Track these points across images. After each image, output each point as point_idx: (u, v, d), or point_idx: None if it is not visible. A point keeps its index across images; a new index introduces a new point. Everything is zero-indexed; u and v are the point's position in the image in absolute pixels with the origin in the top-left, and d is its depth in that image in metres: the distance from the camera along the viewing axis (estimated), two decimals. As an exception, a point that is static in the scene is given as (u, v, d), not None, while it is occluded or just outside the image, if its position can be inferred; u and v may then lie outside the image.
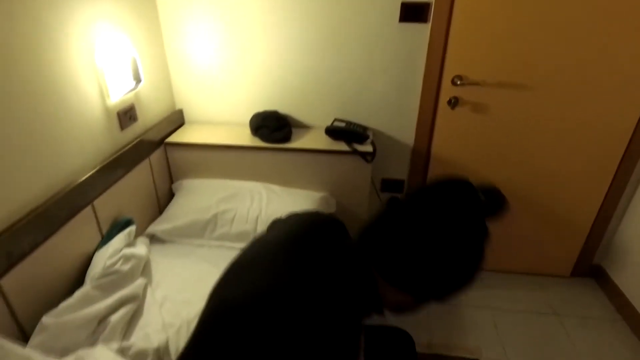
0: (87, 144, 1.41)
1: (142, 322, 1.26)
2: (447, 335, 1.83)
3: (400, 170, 2.01)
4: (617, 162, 1.84)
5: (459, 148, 1.91)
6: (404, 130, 1.91)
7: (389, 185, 2.05)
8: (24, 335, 1.14)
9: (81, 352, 1.07)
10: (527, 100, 1.77)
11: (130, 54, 1.58)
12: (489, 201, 0.71)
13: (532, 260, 2.16)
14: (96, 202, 1.44)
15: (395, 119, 1.89)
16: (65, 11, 1.27)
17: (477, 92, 1.78)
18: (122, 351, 1.11)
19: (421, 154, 1.94)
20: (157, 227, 1.65)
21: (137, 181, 1.69)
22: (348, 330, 0.71)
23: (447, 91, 1.79)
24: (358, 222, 1.87)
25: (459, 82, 1.75)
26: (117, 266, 1.32)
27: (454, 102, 1.80)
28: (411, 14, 1.67)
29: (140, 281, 1.36)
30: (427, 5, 1.64)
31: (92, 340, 1.17)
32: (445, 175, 0.75)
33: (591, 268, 2.13)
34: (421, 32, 1.70)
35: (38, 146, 1.21)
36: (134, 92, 1.65)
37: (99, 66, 1.43)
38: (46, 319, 1.14)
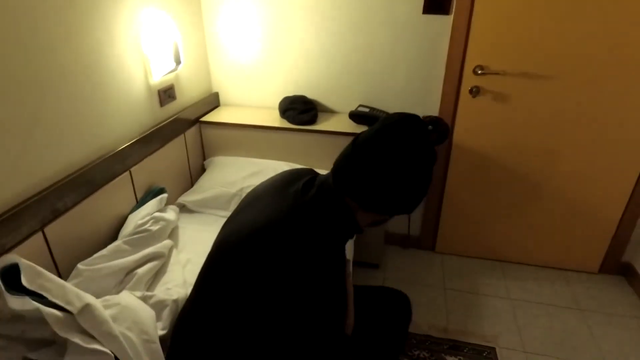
0: (129, 116, 1.56)
1: (165, 278, 1.35)
2: (464, 322, 1.82)
3: (421, 159, 2.05)
4: (644, 155, 1.83)
5: (482, 136, 1.94)
6: (426, 118, 1.96)
7: (409, 172, 2.09)
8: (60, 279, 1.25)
9: (115, 298, 1.18)
10: (551, 91, 1.79)
11: (173, 37, 1.74)
12: (435, 130, 0.84)
13: (559, 254, 2.13)
14: (133, 170, 1.57)
15: (418, 106, 1.95)
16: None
17: (499, 81, 1.82)
18: (144, 299, 1.20)
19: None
20: (186, 197, 1.76)
21: (172, 155, 1.82)
22: (331, 251, 0.84)
23: (469, 80, 1.85)
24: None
25: (480, 72, 1.81)
26: (147, 226, 1.43)
27: (475, 91, 1.85)
28: (434, 6, 1.76)
29: (167, 242, 1.46)
30: (450, -4, 1.73)
31: (120, 288, 1.28)
32: (396, 113, 0.87)
33: (620, 265, 2.08)
34: (444, 23, 1.78)
35: (86, 114, 1.35)
36: (174, 73, 1.80)
37: (144, 47, 1.58)
38: (81, 266, 1.26)
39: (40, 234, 1.18)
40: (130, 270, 1.33)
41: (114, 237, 1.48)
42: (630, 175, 1.87)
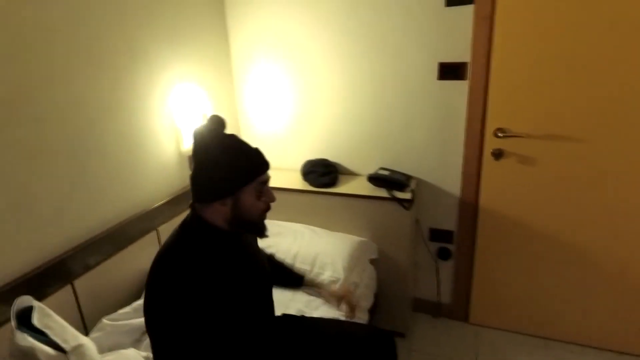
0: (160, 179, 1.75)
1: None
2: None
3: (448, 221, 2.00)
4: None
5: (510, 200, 1.85)
6: (450, 180, 1.93)
7: (437, 235, 2.04)
8: (85, 331, 1.38)
9: (120, 351, 1.29)
10: (580, 153, 1.68)
11: (203, 108, 1.95)
12: (212, 124, 1.00)
13: (613, 333, 1.85)
14: (160, 228, 1.72)
15: (440, 169, 1.94)
16: (153, 74, 1.68)
17: (522, 144, 1.76)
18: (147, 358, 1.28)
19: (469, 205, 1.92)
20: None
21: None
22: (213, 261, 0.99)
23: (491, 143, 1.81)
24: (400, 269, 1.89)
25: (501, 135, 1.77)
26: None
27: (498, 154, 1.80)
28: (449, 72, 1.80)
29: None
30: (464, 64, 1.76)
31: (135, 346, 1.37)
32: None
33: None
34: (460, 88, 1.80)
35: (121, 178, 1.56)
36: (207, 141, 2.01)
37: (176, 118, 1.80)
38: (105, 320, 1.39)
39: (69, 286, 1.33)
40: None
41: (138, 292, 1.60)
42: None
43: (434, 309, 2.14)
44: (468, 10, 1.70)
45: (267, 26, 2.06)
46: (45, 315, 1.10)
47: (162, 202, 1.73)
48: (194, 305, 0.92)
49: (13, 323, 1.02)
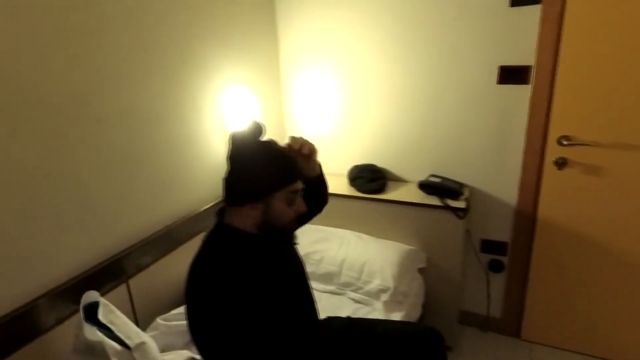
0: (210, 182, 1.75)
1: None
2: None
3: (501, 232, 1.90)
4: None
5: (571, 212, 1.74)
6: (505, 189, 1.84)
7: (489, 246, 1.94)
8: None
9: (178, 351, 1.30)
10: (654, 164, 1.56)
11: (253, 111, 1.94)
12: (251, 130, 1.01)
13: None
14: (208, 231, 1.73)
15: (495, 177, 1.85)
16: (205, 77, 1.67)
17: (589, 153, 1.65)
18: None
19: (526, 216, 1.82)
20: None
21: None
22: (245, 272, 0.96)
23: (553, 151, 1.71)
24: (449, 280, 1.81)
25: (566, 143, 1.66)
26: None
27: (561, 163, 1.69)
28: (510, 76, 1.71)
29: None
30: (528, 67, 1.67)
31: (187, 347, 1.37)
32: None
33: None
34: (521, 93, 1.70)
35: (173, 180, 1.57)
36: (254, 143, 1.99)
37: (227, 121, 1.79)
38: (160, 320, 1.40)
39: (125, 285, 1.35)
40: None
41: None
42: None
43: (482, 323, 2.05)
44: (534, 10, 1.60)
45: (316, 29, 2.02)
46: (109, 311, 1.13)
47: (210, 204, 1.73)
48: (235, 311, 0.92)
49: (82, 317, 1.04)
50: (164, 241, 1.50)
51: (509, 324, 2.00)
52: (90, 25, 1.21)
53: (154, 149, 1.47)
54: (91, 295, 1.12)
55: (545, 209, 1.79)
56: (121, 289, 1.34)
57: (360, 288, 1.72)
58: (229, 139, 1.02)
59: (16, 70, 1.04)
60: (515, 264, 1.91)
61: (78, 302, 1.12)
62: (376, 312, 1.64)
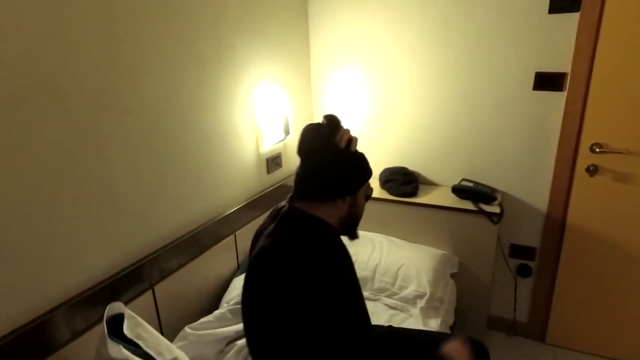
0: (239, 182, 1.69)
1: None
2: None
3: (530, 237, 1.92)
4: None
5: (601, 219, 1.77)
6: (536, 195, 1.86)
7: (518, 251, 1.95)
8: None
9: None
10: (685, 172, 1.61)
11: (284, 109, 1.89)
12: (326, 122, 1.01)
13: None
14: (238, 233, 1.66)
15: (526, 183, 1.86)
16: (239, 72, 1.61)
17: (621, 160, 1.68)
18: None
19: (556, 222, 1.84)
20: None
21: (275, 220, 1.91)
22: (322, 257, 0.94)
23: (585, 158, 1.73)
24: (480, 285, 1.81)
25: (598, 150, 1.69)
26: None
27: (592, 170, 1.72)
28: (545, 82, 1.72)
29: None
30: (563, 74, 1.69)
31: (219, 357, 1.31)
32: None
33: None
34: (556, 100, 1.73)
35: (203, 179, 1.49)
36: (282, 142, 1.94)
37: (258, 118, 1.75)
38: (188, 329, 1.32)
39: (150, 291, 1.27)
40: (231, 340, 1.36)
41: (215, 298, 1.55)
42: None
43: (509, 327, 2.06)
44: (572, 18, 1.62)
45: (348, 29, 1.99)
46: (136, 324, 1.01)
47: (239, 205, 1.67)
48: (313, 297, 0.88)
49: (105, 332, 0.93)
50: (191, 244, 1.43)
51: (535, 328, 2.02)
52: (127, 13, 1.14)
53: (187, 144, 1.39)
54: (115, 307, 1.00)
55: (575, 215, 1.81)
56: (146, 296, 1.26)
57: (395, 294, 1.69)
58: (305, 133, 1.01)
59: (42, 56, 0.94)
60: (543, 269, 1.93)
61: (98, 312, 1.04)
62: (412, 318, 1.61)
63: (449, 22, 1.81)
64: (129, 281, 1.20)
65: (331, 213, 1.00)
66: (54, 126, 0.98)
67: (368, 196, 1.09)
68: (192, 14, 1.37)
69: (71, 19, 1.00)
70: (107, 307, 0.99)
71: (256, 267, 0.92)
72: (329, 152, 0.98)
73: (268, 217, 1.10)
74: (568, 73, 1.68)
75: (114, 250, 1.17)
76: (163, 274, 1.32)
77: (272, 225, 1.00)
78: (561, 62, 1.68)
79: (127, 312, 1.01)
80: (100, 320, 1.06)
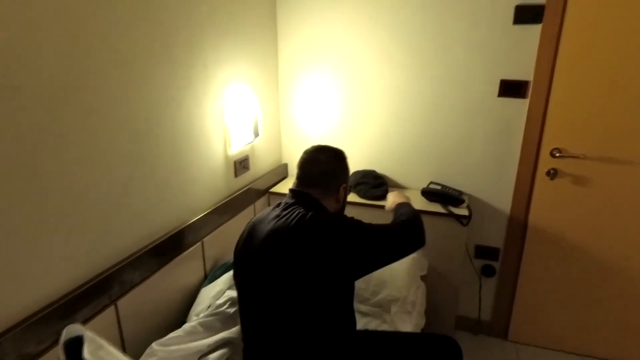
0: (206, 186, 1.60)
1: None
2: None
3: (495, 238, 1.98)
4: None
5: (560, 220, 1.86)
6: (500, 197, 1.92)
7: (483, 251, 2.01)
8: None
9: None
10: (637, 177, 1.72)
11: (254, 110, 1.82)
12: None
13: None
14: (205, 240, 1.57)
15: (491, 186, 1.92)
16: (209, 72, 1.53)
17: (578, 165, 1.78)
18: None
19: (518, 223, 1.92)
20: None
21: (242, 225, 1.81)
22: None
23: (546, 162, 1.82)
24: (449, 286, 1.84)
25: (558, 155, 1.78)
26: (223, 308, 1.39)
27: (553, 174, 1.81)
28: (510, 89, 1.79)
29: (237, 328, 1.39)
30: (526, 82, 1.76)
31: None
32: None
33: None
34: (519, 106, 1.80)
35: (170, 184, 1.40)
36: (250, 144, 1.87)
37: (227, 120, 1.67)
38: (156, 346, 1.21)
39: (112, 307, 1.16)
40: (203, 355, 1.28)
41: (182, 310, 1.46)
42: None
43: (474, 326, 2.12)
44: (535, 29, 1.69)
45: (317, 32, 1.97)
46: (98, 347, 0.90)
47: (207, 211, 1.58)
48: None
49: (61, 358, 0.84)
50: (156, 254, 1.32)
51: (498, 326, 2.09)
52: (95, 6, 1.04)
53: (154, 147, 1.29)
54: (74, 329, 0.90)
55: (536, 217, 1.90)
56: (108, 312, 1.15)
57: (368, 299, 1.67)
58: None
59: None
60: (506, 269, 2.00)
61: (54, 334, 0.93)
62: (386, 324, 1.60)
63: (419, 29, 1.83)
64: (89, 297, 1.08)
65: (332, 204, 1.22)
66: (8, 126, 0.86)
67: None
68: (164, 9, 1.27)
69: (32, 9, 0.89)
70: (64, 329, 0.88)
71: (299, 238, 1.07)
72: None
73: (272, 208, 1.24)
74: (531, 81, 1.75)
75: (73, 263, 1.05)
76: (126, 287, 1.21)
77: (290, 209, 1.14)
78: (525, 70, 1.75)
79: (87, 334, 0.90)
80: (55, 343, 0.95)
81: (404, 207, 1.37)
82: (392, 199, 1.50)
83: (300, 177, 1.23)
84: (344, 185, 1.25)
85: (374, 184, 1.90)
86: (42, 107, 0.93)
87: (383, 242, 1.12)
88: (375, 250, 1.11)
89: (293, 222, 1.09)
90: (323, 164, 1.22)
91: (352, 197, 1.92)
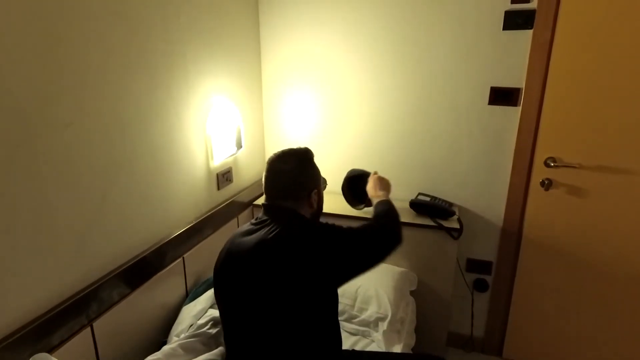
0: (188, 200, 1.54)
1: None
2: None
3: (487, 251, 1.90)
4: None
5: (556, 232, 1.79)
6: (492, 209, 1.85)
7: (475, 265, 1.94)
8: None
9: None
10: (634, 187, 1.64)
11: (237, 123, 1.76)
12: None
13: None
14: (186, 256, 1.50)
15: (482, 197, 1.85)
16: (190, 84, 1.48)
17: (574, 175, 1.71)
18: None
19: (511, 236, 1.84)
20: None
21: (225, 239, 1.75)
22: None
23: (540, 172, 1.75)
24: (440, 302, 1.76)
25: (552, 164, 1.71)
26: (205, 328, 1.32)
27: (547, 184, 1.74)
28: (501, 97, 1.72)
29: (220, 350, 1.32)
30: (518, 90, 1.69)
31: None
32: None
33: None
34: (511, 114, 1.73)
35: (150, 198, 1.34)
36: (233, 156, 1.80)
37: (209, 132, 1.61)
38: None
39: (88, 328, 1.10)
40: (183, 378, 1.20)
41: (162, 330, 1.39)
42: None
43: (466, 343, 2.03)
44: (526, 35, 1.63)
45: (300, 42, 1.92)
46: None
47: (188, 225, 1.51)
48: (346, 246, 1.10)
49: None
50: (135, 272, 1.26)
51: (492, 342, 2.01)
52: (70, 14, 0.99)
53: (132, 160, 1.24)
54: (40, 358, 0.87)
55: (531, 229, 1.82)
56: (84, 335, 1.09)
57: (354, 317, 1.59)
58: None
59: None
60: (500, 283, 1.92)
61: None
62: (375, 344, 1.52)
63: (404, 36, 1.77)
64: (64, 318, 1.02)
65: (306, 210, 1.17)
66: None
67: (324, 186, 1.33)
68: (142, 17, 1.22)
69: (0, 20, 0.83)
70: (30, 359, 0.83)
71: (280, 250, 1.05)
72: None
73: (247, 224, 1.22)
74: (522, 88, 1.69)
75: (46, 283, 1.00)
76: (103, 307, 1.15)
77: (266, 223, 1.12)
78: (516, 77, 1.69)
79: None
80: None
81: (380, 205, 1.40)
82: (371, 184, 1.53)
83: (267, 191, 1.19)
84: (315, 190, 1.20)
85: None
86: (13, 122, 0.88)
87: (362, 244, 1.15)
88: (355, 253, 1.12)
89: (270, 235, 1.08)
90: (287, 175, 1.17)
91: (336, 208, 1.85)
